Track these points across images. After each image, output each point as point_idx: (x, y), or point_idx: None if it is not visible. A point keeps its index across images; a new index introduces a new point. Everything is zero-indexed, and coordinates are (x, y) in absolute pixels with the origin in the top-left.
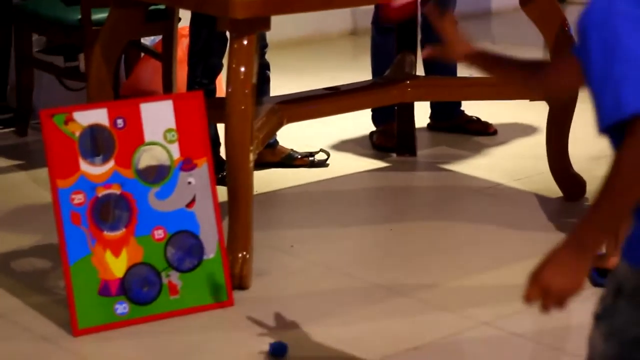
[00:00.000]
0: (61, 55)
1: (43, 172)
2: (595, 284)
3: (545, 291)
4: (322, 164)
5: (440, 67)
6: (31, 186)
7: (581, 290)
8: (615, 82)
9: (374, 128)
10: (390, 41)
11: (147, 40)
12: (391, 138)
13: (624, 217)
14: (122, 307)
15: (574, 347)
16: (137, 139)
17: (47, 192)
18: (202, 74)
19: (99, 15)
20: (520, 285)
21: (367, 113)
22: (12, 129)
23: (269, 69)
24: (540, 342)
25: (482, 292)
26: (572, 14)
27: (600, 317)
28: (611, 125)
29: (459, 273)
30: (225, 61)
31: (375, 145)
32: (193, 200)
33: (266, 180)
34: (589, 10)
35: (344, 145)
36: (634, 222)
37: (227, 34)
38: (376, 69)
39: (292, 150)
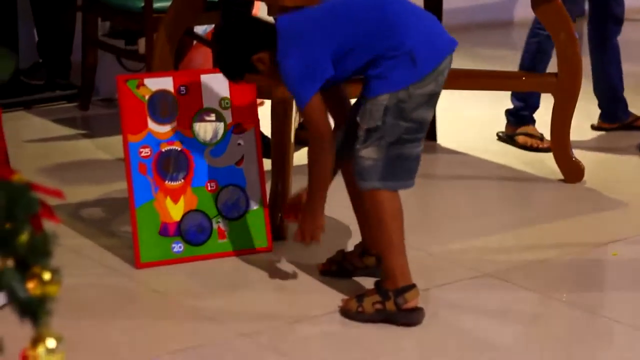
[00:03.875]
0: (122, 39)
1: (102, 140)
2: None
3: (305, 232)
4: None
5: None
6: (93, 151)
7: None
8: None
9: None
10: None
11: (199, 30)
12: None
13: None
14: (178, 247)
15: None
16: (196, 104)
17: (107, 155)
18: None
19: (160, 3)
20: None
21: None
22: (74, 103)
23: None
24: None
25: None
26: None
27: (371, 130)
28: None
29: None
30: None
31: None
32: (241, 159)
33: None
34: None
35: None
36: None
37: None
38: None
39: None
